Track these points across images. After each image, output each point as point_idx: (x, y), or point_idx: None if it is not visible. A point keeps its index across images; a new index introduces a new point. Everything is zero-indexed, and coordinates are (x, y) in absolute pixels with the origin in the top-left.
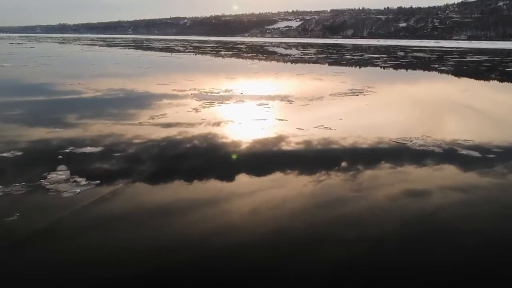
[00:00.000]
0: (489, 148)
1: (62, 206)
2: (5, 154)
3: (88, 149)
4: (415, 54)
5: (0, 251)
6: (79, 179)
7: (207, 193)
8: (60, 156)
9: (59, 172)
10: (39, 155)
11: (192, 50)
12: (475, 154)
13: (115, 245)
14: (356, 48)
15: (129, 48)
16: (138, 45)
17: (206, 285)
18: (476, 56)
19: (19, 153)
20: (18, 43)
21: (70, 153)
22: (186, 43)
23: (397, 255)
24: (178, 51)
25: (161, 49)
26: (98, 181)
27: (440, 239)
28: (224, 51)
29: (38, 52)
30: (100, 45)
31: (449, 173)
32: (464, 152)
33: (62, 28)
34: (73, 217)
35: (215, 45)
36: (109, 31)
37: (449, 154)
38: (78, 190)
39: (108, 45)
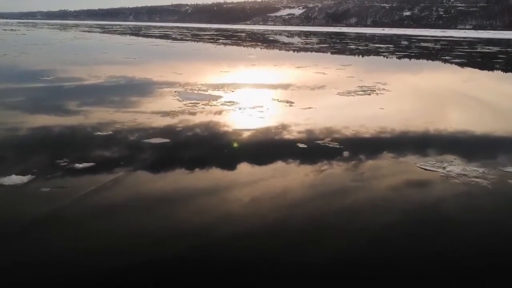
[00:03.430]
0: None
1: None
2: None
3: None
4: (423, 44)
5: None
6: None
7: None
8: None
9: None
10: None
11: (189, 38)
12: None
13: (116, 234)
14: (360, 37)
15: (124, 36)
16: (135, 33)
17: (206, 274)
18: (487, 47)
19: None
20: (12, 30)
21: None
22: (185, 31)
23: (398, 246)
24: (175, 39)
25: (157, 37)
26: None
27: (442, 230)
28: (222, 39)
29: (28, 39)
30: (96, 32)
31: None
32: None
33: (63, 15)
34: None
35: (215, 33)
36: (110, 18)
37: (499, 189)
38: None
39: (105, 32)
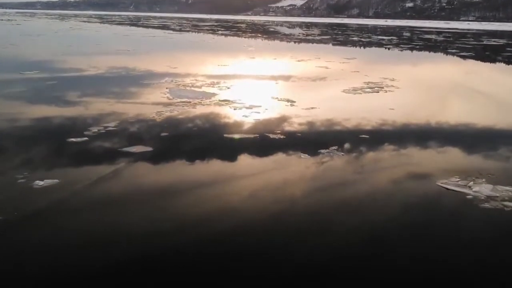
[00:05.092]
0: None
1: None
2: None
3: None
4: (427, 36)
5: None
6: None
7: None
8: None
9: None
10: None
11: (188, 29)
12: None
13: (116, 226)
14: (362, 28)
15: (122, 26)
16: (133, 23)
17: (205, 267)
18: (493, 39)
19: None
20: (8, 20)
21: None
22: (185, 22)
23: (398, 241)
24: (174, 30)
25: (155, 28)
26: None
27: (443, 226)
28: (222, 30)
29: (22, 30)
30: (94, 23)
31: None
32: None
33: (63, 5)
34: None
35: (215, 23)
36: (110, 8)
37: None
38: None
39: (103, 23)
